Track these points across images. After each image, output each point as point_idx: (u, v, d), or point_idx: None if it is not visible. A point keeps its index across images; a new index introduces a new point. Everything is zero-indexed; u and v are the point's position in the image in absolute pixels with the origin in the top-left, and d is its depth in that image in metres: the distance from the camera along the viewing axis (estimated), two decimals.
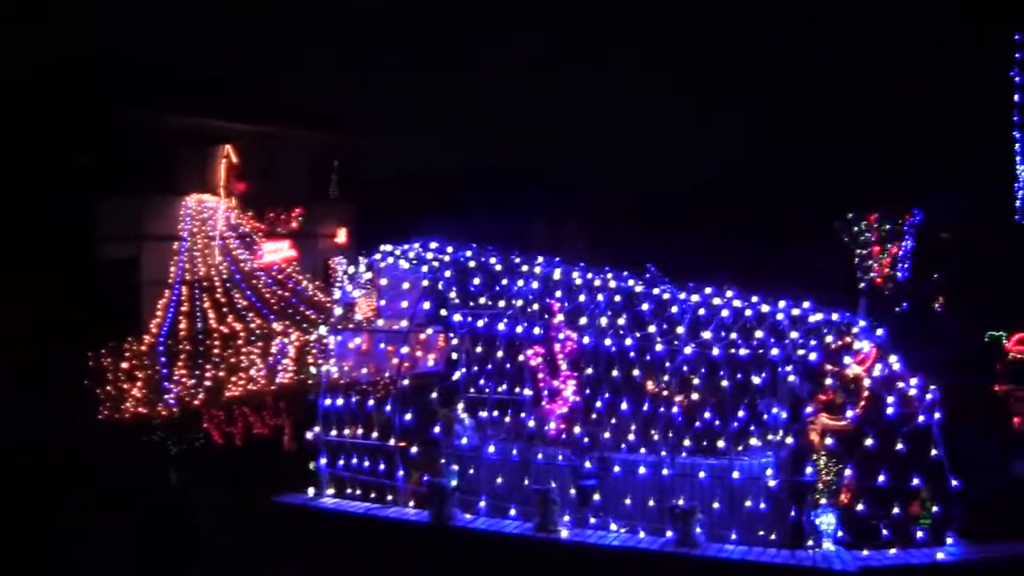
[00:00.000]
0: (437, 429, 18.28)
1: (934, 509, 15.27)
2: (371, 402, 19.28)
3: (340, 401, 18.93)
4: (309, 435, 19.16)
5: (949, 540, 15.01)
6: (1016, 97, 25.26)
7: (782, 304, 16.50)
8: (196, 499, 21.04)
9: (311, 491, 18.62)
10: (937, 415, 15.33)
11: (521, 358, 19.64)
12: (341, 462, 18.77)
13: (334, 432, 18.84)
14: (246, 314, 30.97)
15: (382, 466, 18.32)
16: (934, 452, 15.17)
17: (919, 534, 15.22)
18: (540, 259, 18.62)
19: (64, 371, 27.58)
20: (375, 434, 18.72)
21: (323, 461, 18.67)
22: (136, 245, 34.08)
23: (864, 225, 43.21)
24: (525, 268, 18.42)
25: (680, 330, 16.68)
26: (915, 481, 15.20)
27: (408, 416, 18.09)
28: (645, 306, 17.31)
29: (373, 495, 18.40)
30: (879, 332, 16.38)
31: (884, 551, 15.05)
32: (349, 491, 18.67)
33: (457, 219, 37.65)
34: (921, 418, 15.31)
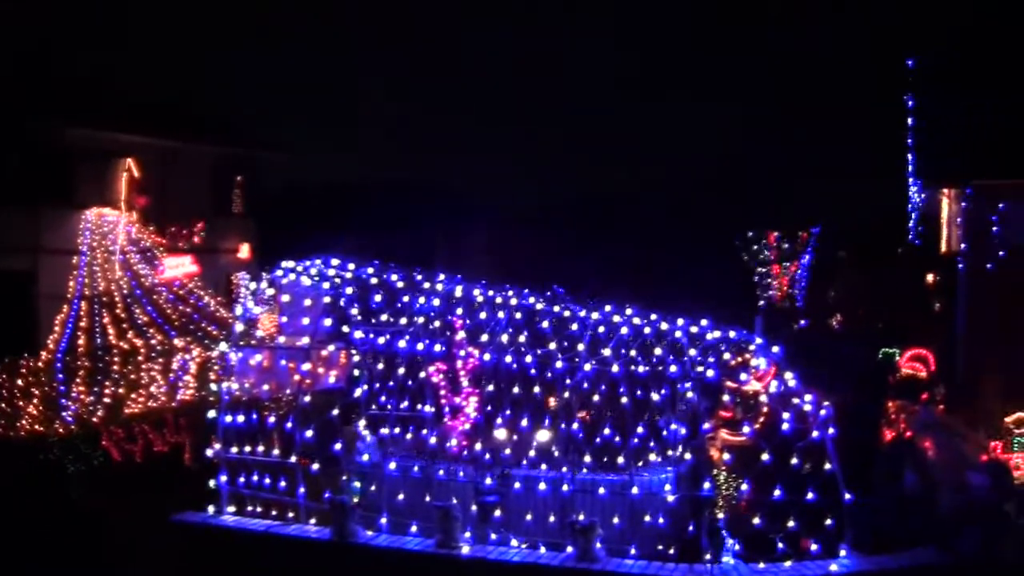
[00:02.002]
0: (338, 446, 18.23)
1: (828, 522, 15.60)
2: (272, 419, 19.19)
3: (241, 418, 18.81)
4: (209, 452, 19.01)
5: (843, 553, 15.34)
6: (909, 120, 25.88)
7: (680, 322, 16.74)
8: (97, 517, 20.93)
9: (211, 509, 18.42)
10: (831, 430, 15.65)
11: (423, 375, 19.66)
12: (242, 479, 18.63)
13: (235, 449, 18.71)
14: (147, 330, 30.65)
15: (283, 483, 18.23)
16: (828, 466, 15.50)
17: (813, 547, 15.54)
18: (442, 276, 18.67)
19: None
20: (276, 451, 18.65)
21: (223, 478, 18.52)
22: (33, 258, 33.54)
23: (764, 243, 43.87)
24: (427, 285, 18.46)
25: (580, 347, 16.86)
26: (809, 495, 15.50)
27: (309, 433, 18.01)
28: (545, 323, 17.48)
29: (274, 512, 18.29)
30: (775, 349, 16.70)
31: (780, 564, 15.33)
32: (250, 508, 18.50)
33: (360, 234, 37.59)
34: (816, 433, 15.62)
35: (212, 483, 18.61)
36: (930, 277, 30.63)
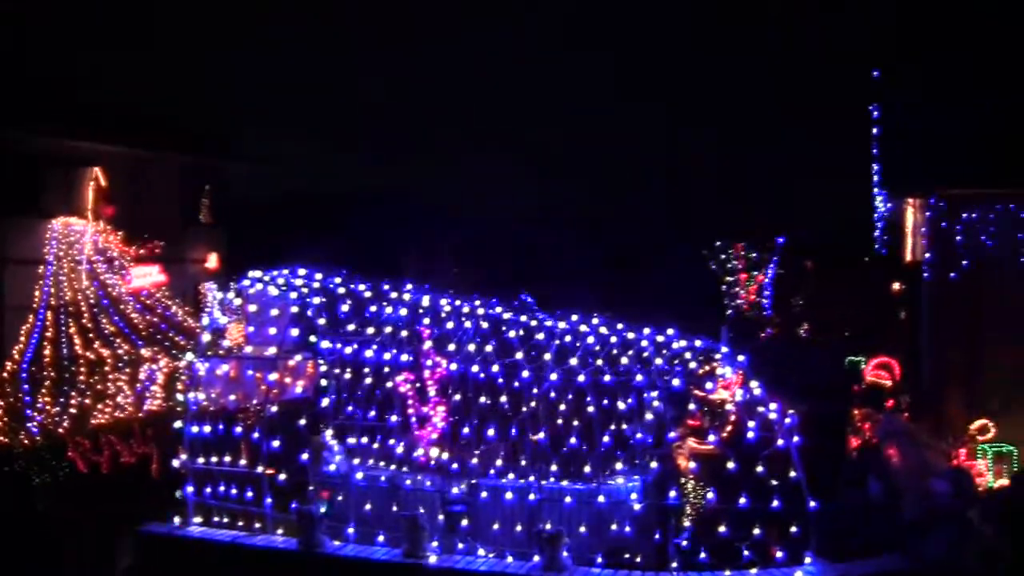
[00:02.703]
0: (305, 456, 18.21)
1: (792, 530, 15.71)
2: (239, 429, 19.14)
3: (208, 428, 18.76)
4: (176, 463, 18.93)
5: (808, 560, 15.46)
6: (874, 130, 26.05)
7: (647, 331, 16.82)
8: (61, 528, 20.81)
9: (177, 520, 18.39)
10: (796, 438, 15.75)
11: (390, 385, 19.65)
12: (208, 490, 18.59)
13: (201, 460, 18.66)
14: (114, 340, 30.41)
15: (250, 494, 18.20)
16: (793, 474, 15.59)
17: (779, 554, 15.64)
18: (409, 286, 18.69)
19: None
20: (243, 461, 18.62)
21: (190, 489, 18.47)
22: None
23: (731, 253, 43.94)
24: (394, 295, 18.48)
25: (547, 357, 16.91)
26: (775, 503, 15.60)
27: (276, 443, 18.00)
28: (512, 333, 17.52)
29: (241, 523, 18.25)
30: (741, 358, 16.79)
31: (746, 572, 15.43)
32: (216, 519, 18.47)
33: (329, 243, 37.53)
34: (781, 441, 15.71)
35: (179, 494, 18.56)
36: (895, 286, 30.81)
